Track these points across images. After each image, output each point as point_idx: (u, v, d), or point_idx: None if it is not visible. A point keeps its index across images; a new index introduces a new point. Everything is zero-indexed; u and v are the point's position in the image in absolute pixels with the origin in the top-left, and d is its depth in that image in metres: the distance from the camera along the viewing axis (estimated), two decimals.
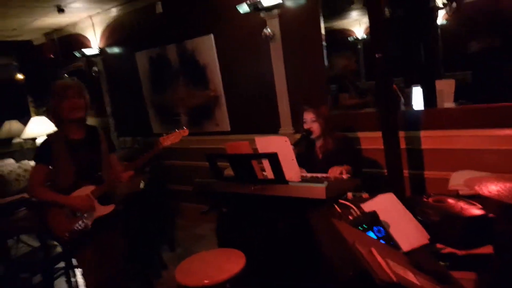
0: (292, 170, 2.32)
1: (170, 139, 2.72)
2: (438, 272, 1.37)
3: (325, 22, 3.51)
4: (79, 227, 2.47)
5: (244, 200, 2.56)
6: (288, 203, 2.28)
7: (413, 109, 3.37)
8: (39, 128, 6.14)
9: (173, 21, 4.61)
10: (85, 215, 2.49)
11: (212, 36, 4.29)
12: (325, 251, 1.87)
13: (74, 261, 3.82)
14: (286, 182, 2.29)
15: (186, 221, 4.86)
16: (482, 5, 3.06)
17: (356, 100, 3.72)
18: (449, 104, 3.16)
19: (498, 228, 1.83)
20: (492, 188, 1.59)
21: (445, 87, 3.27)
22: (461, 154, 2.91)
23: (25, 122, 6.42)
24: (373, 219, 1.92)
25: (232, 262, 2.21)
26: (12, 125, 6.56)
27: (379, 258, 1.18)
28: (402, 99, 3.49)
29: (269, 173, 2.35)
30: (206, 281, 2.07)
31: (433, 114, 3.08)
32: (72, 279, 3.70)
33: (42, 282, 3.35)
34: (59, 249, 3.48)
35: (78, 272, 3.82)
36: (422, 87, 3.42)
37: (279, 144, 2.31)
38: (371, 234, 1.88)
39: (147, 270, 3.48)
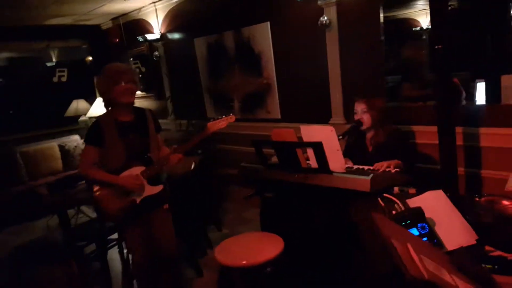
0: (336, 160, 2.29)
1: (217, 125, 2.74)
2: (480, 274, 1.31)
3: (389, 11, 3.39)
4: (128, 206, 2.57)
5: (287, 188, 2.57)
6: (331, 193, 2.27)
7: (475, 104, 3.19)
8: (103, 108, 6.51)
9: (231, 8, 4.68)
10: (135, 194, 2.58)
11: (268, 23, 4.29)
12: (365, 244, 1.85)
13: None
14: (330, 172, 2.27)
15: (235, 204, 4.96)
16: None
17: (418, 91, 3.57)
18: None
19: None
20: None
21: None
22: None
23: (91, 101, 6.85)
24: (417, 216, 1.86)
25: (270, 246, 2.25)
26: (80, 103, 7.01)
27: (413, 254, 1.15)
28: (464, 94, 3.31)
29: (313, 162, 2.35)
30: (244, 262, 2.13)
31: (495, 111, 2.90)
32: (124, 251, 3.94)
33: (96, 250, 3.60)
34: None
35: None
36: (486, 82, 3.23)
37: (325, 134, 2.29)
38: (414, 230, 1.83)
39: (192, 248, 3.61)
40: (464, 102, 3.27)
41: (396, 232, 1.34)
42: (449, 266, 1.31)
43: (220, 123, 2.75)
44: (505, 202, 1.98)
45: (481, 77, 3.26)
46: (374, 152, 2.80)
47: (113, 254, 3.97)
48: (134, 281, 3.48)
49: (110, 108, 2.62)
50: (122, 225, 2.74)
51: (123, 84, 2.49)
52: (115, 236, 3.89)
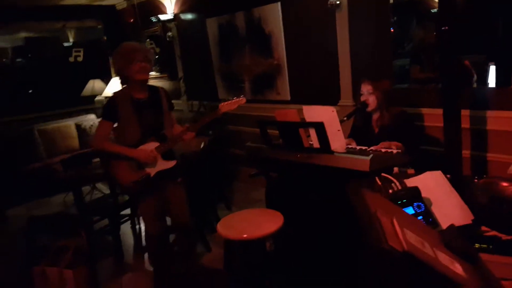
0: (337, 140, 2.33)
1: (227, 106, 2.84)
2: (465, 251, 1.35)
3: None
4: (143, 178, 2.70)
5: (290, 167, 2.62)
6: (332, 172, 2.32)
7: (483, 87, 3.16)
8: (118, 88, 6.63)
9: None
10: (149, 166, 2.72)
11: (279, 4, 4.28)
12: (360, 221, 1.89)
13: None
14: (331, 152, 2.31)
15: (244, 184, 5.06)
16: None
17: (427, 74, 3.54)
18: None
19: None
20: None
21: None
22: None
23: (106, 81, 6.97)
24: (413, 195, 1.90)
25: (270, 222, 2.33)
26: (96, 83, 7.14)
27: (396, 227, 1.20)
28: (475, 76, 3.28)
29: (315, 142, 2.39)
30: (244, 235, 2.22)
31: (504, 94, 2.87)
32: (137, 226, 4.08)
33: (109, 225, 3.74)
34: (126, 197, 3.85)
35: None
36: (497, 65, 3.19)
37: (326, 114, 2.32)
38: (410, 209, 1.87)
39: (202, 224, 3.73)
40: (475, 85, 3.24)
41: (383, 206, 1.39)
42: (436, 242, 1.36)
43: (230, 104, 2.84)
44: (503, 184, 2.00)
45: (492, 60, 3.22)
46: (380, 133, 2.82)
47: (126, 229, 4.12)
48: (145, 254, 3.64)
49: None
50: (136, 197, 2.87)
51: (138, 62, 2.60)
52: (127, 211, 4.04)
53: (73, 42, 8.46)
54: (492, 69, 3.26)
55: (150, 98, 2.76)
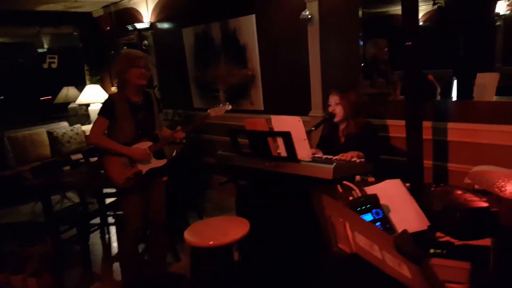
0: (303, 149, 2.40)
1: (215, 112, 3.13)
2: (413, 254, 1.43)
3: (381, 7, 3.48)
4: (133, 176, 2.84)
5: (259, 175, 2.68)
6: (298, 180, 2.38)
7: (448, 100, 3.31)
8: (92, 95, 6.59)
9: (219, 0, 4.74)
10: (142, 164, 2.88)
11: (254, 16, 4.37)
12: (321, 227, 1.96)
13: (109, 219, 4.18)
14: (297, 160, 2.38)
15: (217, 193, 5.09)
16: None
17: (377, 89, 3.67)
18: (489, 98, 3.07)
19: (509, 224, 1.82)
20: None
21: (488, 80, 3.16)
22: (487, 149, 2.84)
23: (81, 89, 6.90)
24: (372, 202, 1.97)
25: (236, 229, 2.37)
26: (70, 91, 7.05)
27: (348, 230, 1.27)
28: (439, 89, 3.42)
29: (282, 151, 2.45)
30: (211, 242, 2.25)
31: (463, 107, 3.02)
32: (106, 236, 4.05)
33: (78, 234, 3.70)
34: (96, 206, 3.82)
35: (112, 228, 4.16)
36: (458, 80, 3.35)
37: (293, 124, 2.39)
38: (368, 215, 1.95)
39: (172, 234, 3.71)
40: (439, 98, 3.39)
41: (338, 211, 1.45)
42: (387, 246, 1.43)
43: (219, 111, 3.13)
44: (458, 192, 2.09)
45: (457, 74, 3.37)
46: (345, 143, 2.92)
47: (95, 239, 4.08)
48: (114, 264, 3.61)
49: (122, 89, 2.89)
50: (125, 193, 2.94)
51: (140, 68, 2.79)
52: (97, 220, 4.00)
53: (48, 49, 8.33)
54: (456, 83, 3.42)
55: (144, 101, 2.94)
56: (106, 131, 2.85)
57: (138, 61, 2.80)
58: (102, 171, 2.98)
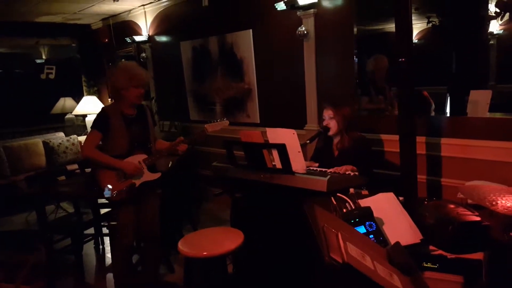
0: (298, 161, 2.43)
1: (213, 127, 3.13)
2: (405, 266, 1.44)
3: (376, 24, 3.54)
4: (127, 189, 2.82)
5: (254, 187, 2.70)
6: (293, 192, 2.40)
7: (442, 116, 3.36)
8: (89, 106, 6.62)
9: (217, 15, 4.82)
10: (135, 178, 2.85)
11: (251, 31, 4.44)
12: (314, 238, 1.97)
13: (103, 230, 4.16)
14: (292, 172, 2.40)
15: (212, 205, 5.09)
16: None
17: (376, 105, 3.73)
18: (482, 114, 3.12)
19: (501, 238, 1.84)
20: (509, 204, 1.61)
21: (481, 97, 3.22)
22: (480, 164, 2.88)
23: (78, 100, 6.93)
24: (366, 214, 2.00)
25: (230, 240, 2.38)
26: (67, 101, 7.09)
27: (340, 240, 1.29)
28: (433, 105, 3.47)
29: (277, 163, 2.48)
30: (204, 253, 2.26)
31: (456, 123, 3.07)
32: (100, 246, 4.03)
33: (72, 244, 3.68)
34: (90, 216, 3.81)
35: (106, 239, 4.14)
36: (451, 96, 3.41)
37: (287, 136, 2.43)
38: (362, 228, 1.96)
39: (166, 246, 3.70)
40: (433, 113, 3.44)
41: (331, 222, 1.47)
42: (379, 257, 1.44)
43: (215, 126, 3.14)
44: (450, 206, 2.12)
45: (452, 91, 3.44)
46: (339, 156, 2.95)
47: (89, 250, 4.06)
48: (107, 274, 3.59)
49: (116, 102, 2.89)
50: (118, 206, 2.93)
51: (139, 88, 2.80)
52: (91, 231, 3.98)
53: (46, 59, 8.40)
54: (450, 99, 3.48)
55: (138, 114, 2.94)
56: (99, 143, 2.84)
57: (139, 80, 2.80)
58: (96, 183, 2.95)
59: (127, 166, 2.80)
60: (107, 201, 3.57)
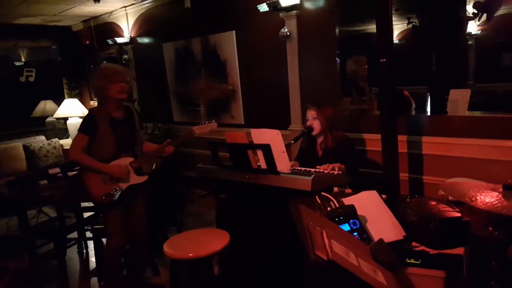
0: (283, 161, 2.45)
1: (201, 129, 3.12)
2: (388, 261, 1.47)
3: (358, 25, 3.59)
4: (114, 192, 2.80)
5: (239, 187, 2.70)
6: (278, 192, 2.41)
7: (423, 115, 3.42)
8: (71, 109, 6.52)
9: (200, 16, 4.82)
10: (122, 181, 2.84)
11: (234, 32, 4.45)
12: (300, 236, 1.99)
13: (87, 234, 4.11)
14: (277, 172, 2.42)
15: (197, 207, 5.07)
16: None
17: (357, 105, 3.78)
18: (462, 113, 3.19)
19: (481, 233, 1.88)
20: (487, 200, 1.65)
21: (460, 96, 3.29)
22: (460, 161, 2.95)
23: (59, 103, 6.82)
24: (349, 212, 2.02)
25: (216, 241, 2.38)
26: (47, 104, 6.97)
27: (325, 238, 1.30)
28: (414, 105, 3.54)
29: (262, 163, 2.49)
30: (190, 254, 2.26)
31: (436, 121, 3.13)
32: (84, 250, 3.97)
33: (55, 248, 3.62)
34: (73, 220, 3.75)
35: (90, 243, 4.08)
36: (431, 95, 3.48)
37: (272, 137, 2.44)
38: (346, 226, 1.99)
39: (151, 248, 3.68)
40: (413, 112, 3.50)
41: (316, 221, 1.49)
42: (364, 254, 1.47)
43: (203, 128, 3.13)
44: (432, 203, 2.17)
45: (432, 91, 3.51)
46: (323, 156, 2.98)
47: (73, 254, 4.00)
48: (91, 279, 3.54)
49: (103, 104, 2.86)
50: (106, 209, 2.91)
51: (119, 83, 2.78)
52: (74, 235, 3.92)
53: (25, 62, 8.24)
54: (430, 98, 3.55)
55: (125, 117, 2.92)
56: (86, 147, 2.81)
57: (117, 76, 2.79)
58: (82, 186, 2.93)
59: (114, 170, 2.78)
60: (91, 204, 3.55)
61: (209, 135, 4.64)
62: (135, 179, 2.90)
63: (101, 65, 2.92)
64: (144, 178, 2.95)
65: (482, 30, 3.15)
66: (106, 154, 2.81)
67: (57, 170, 4.43)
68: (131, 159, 2.88)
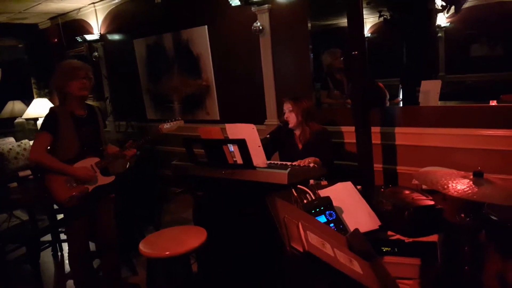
0: (258, 156, 2.43)
1: (167, 127, 3.02)
2: (364, 251, 1.48)
3: (330, 19, 3.59)
4: (79, 194, 2.68)
5: (216, 183, 2.68)
6: (255, 187, 2.40)
7: (395, 106, 3.47)
8: (40, 109, 6.33)
9: (171, 11, 4.75)
10: (88, 183, 2.72)
11: (206, 27, 4.41)
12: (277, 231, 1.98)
13: (61, 236, 4.01)
14: (253, 167, 2.40)
15: (175, 205, 5.01)
16: (485, 10, 3.11)
17: (334, 99, 3.81)
18: (434, 103, 3.25)
19: (454, 220, 1.92)
20: (459, 187, 1.68)
21: (431, 87, 3.36)
22: (432, 151, 3.01)
23: (28, 103, 6.61)
24: (326, 204, 2.04)
25: (193, 238, 2.35)
26: (15, 105, 6.75)
27: (300, 230, 1.30)
28: (388, 96, 3.58)
29: (238, 159, 2.47)
30: (167, 252, 2.22)
31: (409, 112, 3.18)
32: (58, 253, 3.87)
33: (27, 252, 3.51)
34: (46, 222, 3.65)
35: (64, 245, 3.99)
36: (402, 87, 3.55)
37: (247, 131, 2.43)
38: (322, 217, 2.00)
39: (128, 248, 3.62)
40: (388, 104, 3.55)
41: (291, 213, 1.49)
42: (339, 244, 1.47)
43: (170, 125, 3.03)
44: (406, 192, 2.21)
45: (404, 82, 3.57)
46: (304, 149, 2.99)
47: (47, 257, 3.90)
48: (67, 282, 3.46)
49: (64, 103, 2.74)
50: (70, 213, 2.79)
51: (80, 79, 2.66)
52: (48, 238, 3.82)
53: None
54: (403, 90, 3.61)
55: (88, 115, 2.81)
56: (49, 147, 2.66)
57: (77, 72, 2.67)
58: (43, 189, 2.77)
59: (79, 172, 2.65)
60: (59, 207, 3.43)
61: (184, 131, 4.63)
62: (102, 180, 2.78)
63: (61, 63, 2.78)
64: (111, 179, 2.83)
65: (451, 22, 3.22)
66: (71, 154, 2.67)
67: (28, 172, 4.30)
68: (97, 159, 2.76)
